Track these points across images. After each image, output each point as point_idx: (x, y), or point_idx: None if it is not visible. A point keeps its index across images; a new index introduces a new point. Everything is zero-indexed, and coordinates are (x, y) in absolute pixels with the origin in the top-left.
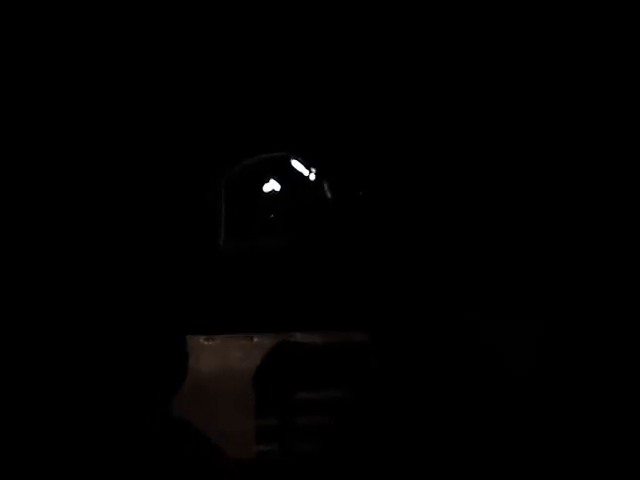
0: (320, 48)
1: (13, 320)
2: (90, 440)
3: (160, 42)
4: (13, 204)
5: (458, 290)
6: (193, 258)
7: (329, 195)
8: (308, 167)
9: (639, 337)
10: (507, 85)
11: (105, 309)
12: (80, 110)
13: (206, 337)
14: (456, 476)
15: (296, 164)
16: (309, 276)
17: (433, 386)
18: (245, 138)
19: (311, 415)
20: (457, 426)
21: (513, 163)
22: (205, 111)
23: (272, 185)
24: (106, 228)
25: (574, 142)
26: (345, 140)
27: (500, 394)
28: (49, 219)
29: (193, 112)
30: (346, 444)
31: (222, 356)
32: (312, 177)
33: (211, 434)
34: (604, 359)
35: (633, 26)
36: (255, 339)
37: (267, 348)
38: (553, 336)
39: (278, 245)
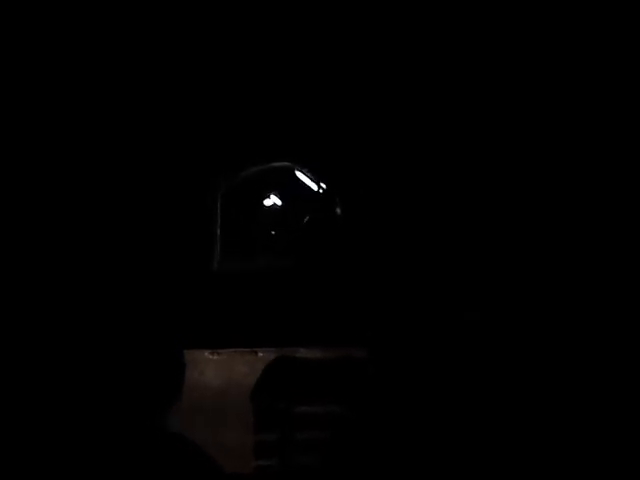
0: (333, 62)
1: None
2: (89, 450)
3: (158, 49)
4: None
5: (456, 309)
6: (196, 273)
7: (339, 211)
8: (316, 180)
9: (638, 337)
10: (506, 90)
11: (106, 322)
12: (73, 124)
13: (211, 351)
14: None
15: (301, 176)
16: (313, 292)
17: (431, 401)
18: (244, 146)
19: (311, 430)
20: (455, 440)
21: (509, 172)
22: (198, 116)
23: (273, 199)
24: (104, 241)
25: (573, 142)
26: (359, 150)
27: (498, 412)
28: (47, 234)
29: (185, 117)
30: (345, 459)
31: (227, 370)
32: (320, 191)
33: (213, 447)
34: (603, 359)
35: (633, 26)
36: (260, 354)
37: (271, 363)
38: (552, 336)
39: (280, 266)
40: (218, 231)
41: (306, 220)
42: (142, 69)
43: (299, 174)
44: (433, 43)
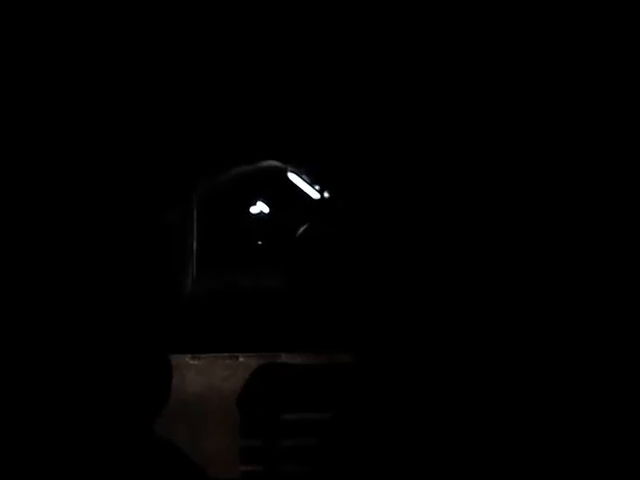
0: (330, 51)
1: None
2: (73, 457)
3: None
4: None
5: (444, 314)
6: (168, 293)
7: (341, 218)
8: (315, 183)
9: (637, 339)
10: (505, 91)
11: (90, 329)
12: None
13: (192, 356)
14: None
15: (295, 178)
16: (297, 298)
17: (419, 406)
18: (226, 142)
19: (296, 436)
20: (444, 445)
21: (510, 180)
22: (168, 106)
23: (260, 206)
24: (87, 245)
25: (572, 143)
26: (362, 149)
27: (487, 415)
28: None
29: (152, 107)
30: (331, 465)
31: (208, 375)
32: (317, 195)
33: (195, 453)
34: (602, 359)
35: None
36: (240, 359)
37: (252, 368)
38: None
39: (267, 286)
40: (194, 244)
41: (301, 231)
42: (114, 63)
43: (292, 176)
44: (433, 43)
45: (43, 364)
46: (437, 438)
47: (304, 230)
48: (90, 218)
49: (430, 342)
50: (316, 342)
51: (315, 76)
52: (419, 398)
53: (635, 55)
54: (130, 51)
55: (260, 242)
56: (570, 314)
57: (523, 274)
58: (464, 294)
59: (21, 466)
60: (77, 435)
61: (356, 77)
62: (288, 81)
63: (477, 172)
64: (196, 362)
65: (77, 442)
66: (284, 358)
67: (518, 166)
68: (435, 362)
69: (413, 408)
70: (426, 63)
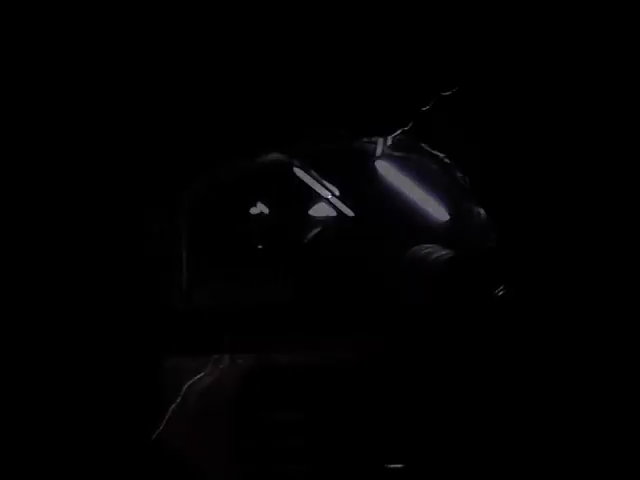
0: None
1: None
2: (73, 458)
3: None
4: None
5: (445, 313)
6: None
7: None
8: (325, 181)
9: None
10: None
11: (88, 331)
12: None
13: (189, 357)
14: None
15: (301, 173)
16: (305, 308)
17: (418, 406)
18: (221, 132)
19: (292, 436)
20: (442, 445)
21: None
22: (153, 92)
23: (261, 207)
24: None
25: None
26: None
27: (488, 415)
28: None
29: (134, 93)
30: (327, 465)
31: (207, 376)
32: (329, 194)
33: (195, 453)
34: (602, 359)
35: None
36: (239, 360)
37: (249, 368)
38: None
39: (270, 301)
40: (184, 252)
41: (312, 235)
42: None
43: (297, 171)
44: (435, 39)
45: (44, 368)
46: (438, 437)
47: (315, 235)
48: (57, 219)
49: (430, 342)
50: (314, 342)
51: (320, 53)
52: (419, 397)
53: (635, 55)
54: (116, 41)
55: (261, 246)
56: (571, 314)
57: (524, 274)
58: (465, 295)
59: (22, 466)
60: (77, 436)
61: (368, 58)
62: (291, 60)
63: (488, 175)
64: (193, 363)
65: (77, 443)
66: (281, 358)
67: (525, 168)
68: (435, 362)
69: (413, 407)
70: (445, 51)
